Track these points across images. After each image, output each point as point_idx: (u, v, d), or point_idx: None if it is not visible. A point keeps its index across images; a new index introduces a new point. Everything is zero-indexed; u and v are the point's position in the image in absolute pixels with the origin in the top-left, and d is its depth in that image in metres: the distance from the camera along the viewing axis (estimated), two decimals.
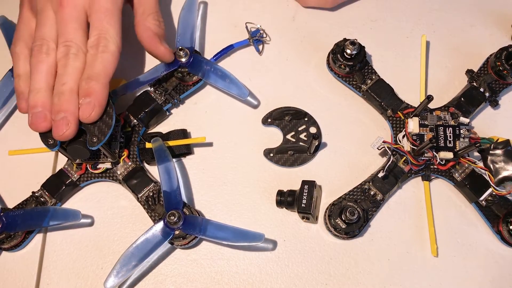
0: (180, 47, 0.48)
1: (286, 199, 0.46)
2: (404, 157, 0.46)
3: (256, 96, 0.52)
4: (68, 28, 0.42)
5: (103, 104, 0.42)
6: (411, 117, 0.47)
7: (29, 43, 0.44)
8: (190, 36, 0.50)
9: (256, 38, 0.53)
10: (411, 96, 0.50)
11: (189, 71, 0.49)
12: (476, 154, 0.47)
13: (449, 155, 0.45)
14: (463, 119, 0.47)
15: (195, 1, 0.52)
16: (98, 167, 0.47)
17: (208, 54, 0.53)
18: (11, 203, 0.48)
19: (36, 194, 0.47)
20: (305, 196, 0.44)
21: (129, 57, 0.54)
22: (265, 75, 0.52)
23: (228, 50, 0.52)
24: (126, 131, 0.48)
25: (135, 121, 0.49)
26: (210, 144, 0.50)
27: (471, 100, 0.48)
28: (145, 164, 0.49)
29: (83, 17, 0.43)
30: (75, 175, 0.47)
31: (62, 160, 0.49)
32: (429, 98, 0.44)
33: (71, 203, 0.48)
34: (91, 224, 0.48)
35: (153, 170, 0.49)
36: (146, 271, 0.46)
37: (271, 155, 0.49)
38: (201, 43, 0.55)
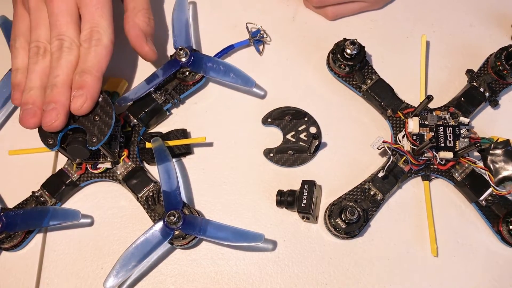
0: (179, 47, 0.48)
1: (286, 199, 0.46)
2: (404, 157, 0.46)
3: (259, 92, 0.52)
4: (59, 21, 0.42)
5: (95, 97, 0.42)
6: (411, 117, 0.47)
7: (28, 37, 0.44)
8: (186, 35, 0.50)
9: (257, 39, 0.53)
10: (411, 96, 0.50)
11: (191, 69, 0.49)
12: (476, 154, 0.47)
13: (449, 155, 0.45)
14: (463, 119, 0.46)
15: (185, 0, 0.52)
16: (98, 167, 0.47)
17: (209, 54, 0.53)
18: (11, 203, 0.48)
19: (36, 194, 0.47)
20: (305, 196, 0.44)
21: (132, 57, 0.54)
22: (265, 75, 0.52)
23: (228, 50, 0.53)
24: (126, 131, 0.48)
25: (135, 120, 0.49)
26: (210, 144, 0.50)
27: (471, 100, 0.48)
28: (145, 164, 0.49)
29: (74, 9, 0.43)
30: (75, 175, 0.47)
31: (62, 160, 0.49)
32: (429, 98, 0.44)
33: (71, 203, 0.48)
34: (91, 224, 0.48)
35: (153, 170, 0.49)
36: (146, 271, 0.46)
37: (271, 155, 0.49)
38: (201, 43, 0.55)
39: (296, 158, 0.49)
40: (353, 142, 0.50)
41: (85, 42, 0.42)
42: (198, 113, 0.52)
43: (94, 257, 0.46)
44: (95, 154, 0.46)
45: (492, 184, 0.44)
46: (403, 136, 0.47)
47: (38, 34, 0.43)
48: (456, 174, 0.46)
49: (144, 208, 0.46)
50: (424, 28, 0.54)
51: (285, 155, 0.49)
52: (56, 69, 0.41)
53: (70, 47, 0.42)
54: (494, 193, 0.45)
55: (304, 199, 0.44)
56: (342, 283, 0.45)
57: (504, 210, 0.45)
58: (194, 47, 0.51)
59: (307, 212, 0.44)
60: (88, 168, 0.47)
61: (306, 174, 0.48)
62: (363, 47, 0.49)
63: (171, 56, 0.50)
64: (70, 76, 0.41)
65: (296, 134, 0.50)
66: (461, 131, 0.46)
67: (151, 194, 0.46)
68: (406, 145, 0.46)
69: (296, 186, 0.46)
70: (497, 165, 0.45)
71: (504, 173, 0.45)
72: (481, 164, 0.45)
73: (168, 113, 0.51)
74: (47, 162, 0.50)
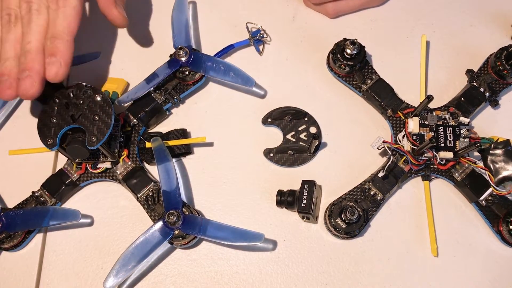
0: (179, 47, 0.48)
1: (286, 199, 0.46)
2: (404, 157, 0.46)
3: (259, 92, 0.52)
4: None
5: (68, 63, 0.42)
6: (411, 117, 0.47)
7: (0, 5, 0.44)
8: (185, 34, 0.50)
9: (257, 38, 0.53)
10: (411, 96, 0.50)
11: (191, 69, 0.49)
12: (476, 154, 0.47)
13: (449, 155, 0.45)
14: (463, 119, 0.46)
15: (185, 0, 0.52)
16: (97, 166, 0.47)
17: (208, 54, 0.53)
18: (11, 203, 0.48)
19: (36, 194, 0.47)
20: (305, 196, 0.44)
21: (131, 56, 0.54)
22: (265, 75, 0.52)
23: (228, 50, 0.53)
24: (126, 131, 0.48)
25: (135, 120, 0.49)
26: (210, 144, 0.50)
27: (471, 100, 0.48)
28: (145, 164, 0.49)
29: None
30: (75, 175, 0.47)
31: (62, 160, 0.49)
32: (429, 98, 0.44)
33: (71, 203, 0.48)
34: (91, 224, 0.48)
35: (153, 170, 0.49)
36: (146, 271, 0.46)
37: (271, 155, 0.49)
38: (201, 43, 0.55)
39: (296, 158, 0.49)
40: (353, 142, 0.50)
41: (53, 3, 0.42)
42: (198, 113, 0.51)
43: (94, 257, 0.46)
44: (95, 154, 0.46)
45: (492, 184, 0.44)
46: (403, 136, 0.47)
47: (8, 1, 0.42)
48: (456, 174, 0.46)
49: (144, 208, 0.46)
50: (424, 28, 0.54)
51: (285, 155, 0.49)
52: (28, 35, 0.41)
53: (38, 9, 0.41)
54: (494, 193, 0.45)
55: (304, 199, 0.44)
56: (342, 283, 0.45)
57: (504, 210, 0.45)
58: (194, 46, 0.51)
59: (307, 212, 0.44)
60: (88, 168, 0.47)
61: (306, 174, 0.48)
62: (363, 47, 0.49)
63: (170, 55, 0.50)
64: (42, 41, 0.41)
65: (296, 134, 0.50)
66: (461, 131, 0.46)
67: (151, 194, 0.46)
68: (406, 145, 0.46)
69: (296, 186, 0.46)
70: (497, 165, 0.45)
71: (504, 173, 0.45)
72: (481, 164, 0.45)
73: (168, 113, 0.51)
74: (47, 162, 0.50)
